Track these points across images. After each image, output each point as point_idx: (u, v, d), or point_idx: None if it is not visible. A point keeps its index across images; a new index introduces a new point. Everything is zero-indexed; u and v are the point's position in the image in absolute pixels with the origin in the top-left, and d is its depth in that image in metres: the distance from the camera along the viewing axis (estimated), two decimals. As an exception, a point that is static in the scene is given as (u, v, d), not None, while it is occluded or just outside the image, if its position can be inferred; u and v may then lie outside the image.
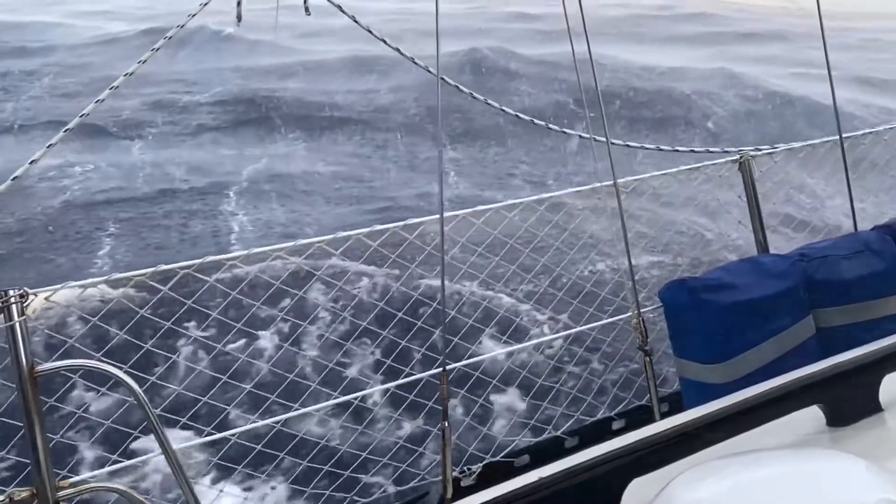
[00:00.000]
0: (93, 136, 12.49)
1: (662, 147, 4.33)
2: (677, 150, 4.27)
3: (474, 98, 3.77)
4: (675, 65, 19.51)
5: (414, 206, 9.64)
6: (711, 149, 4.36)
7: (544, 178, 11.46)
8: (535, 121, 3.88)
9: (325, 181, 11.36)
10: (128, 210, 9.93)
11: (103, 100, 2.67)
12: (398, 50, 3.52)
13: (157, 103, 15.67)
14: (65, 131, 2.68)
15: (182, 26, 2.86)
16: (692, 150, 4.28)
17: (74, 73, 18.85)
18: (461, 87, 3.59)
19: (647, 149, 4.26)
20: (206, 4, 2.92)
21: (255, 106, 15.72)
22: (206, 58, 20.26)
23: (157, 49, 2.80)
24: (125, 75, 2.74)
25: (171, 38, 2.83)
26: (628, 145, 3.97)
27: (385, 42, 3.51)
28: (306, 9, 3.06)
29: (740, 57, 21.35)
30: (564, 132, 3.84)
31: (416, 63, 3.49)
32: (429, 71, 3.27)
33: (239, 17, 2.95)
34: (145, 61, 2.76)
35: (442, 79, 2.58)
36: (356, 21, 3.40)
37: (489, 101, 3.81)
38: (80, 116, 2.68)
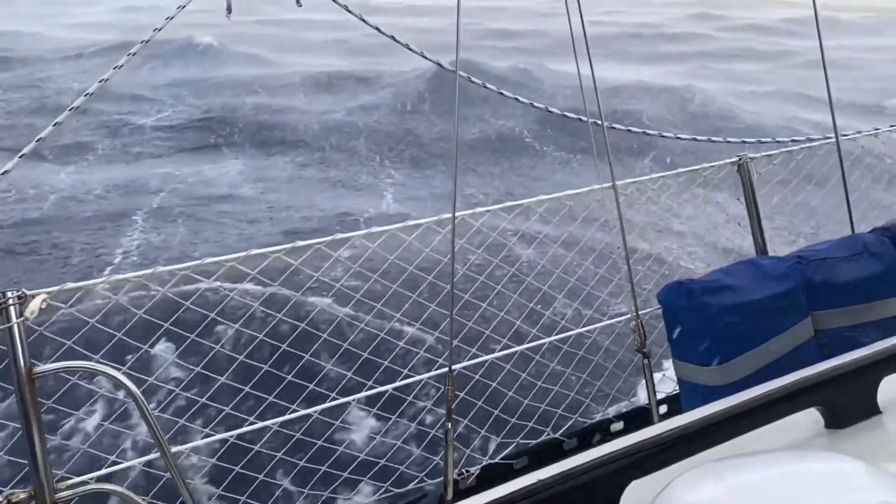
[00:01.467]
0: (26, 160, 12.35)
1: (665, 133, 4.39)
2: (680, 138, 4.33)
3: (487, 89, 3.75)
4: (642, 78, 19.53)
5: (327, 228, 9.45)
6: (714, 138, 4.42)
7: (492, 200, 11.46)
8: (568, 114, 3.86)
9: (247, 202, 11.25)
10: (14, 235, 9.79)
11: (61, 122, 2.60)
12: (408, 46, 3.50)
13: (104, 125, 15.37)
14: (20, 157, 2.60)
15: (146, 42, 2.76)
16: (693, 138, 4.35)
17: (29, 88, 18.58)
18: (473, 78, 3.57)
19: (649, 134, 4.30)
20: (171, 19, 2.83)
21: (205, 126, 15.64)
22: (172, 72, 20.25)
23: (120, 66, 2.70)
24: (85, 95, 2.64)
25: (134, 54, 2.74)
26: (630, 130, 3.99)
27: (394, 39, 3.49)
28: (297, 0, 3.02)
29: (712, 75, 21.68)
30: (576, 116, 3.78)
31: (426, 57, 3.46)
32: (440, 66, 3.26)
33: (229, 9, 2.89)
34: (107, 79, 2.66)
35: (461, 75, 2.57)
36: (365, 21, 3.38)
37: (503, 92, 3.80)
38: (37, 141, 2.61)
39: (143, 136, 15.20)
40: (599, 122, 2.97)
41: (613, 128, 3.27)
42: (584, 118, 3.23)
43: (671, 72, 22.20)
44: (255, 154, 14.12)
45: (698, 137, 4.59)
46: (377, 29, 3.46)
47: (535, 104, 4.03)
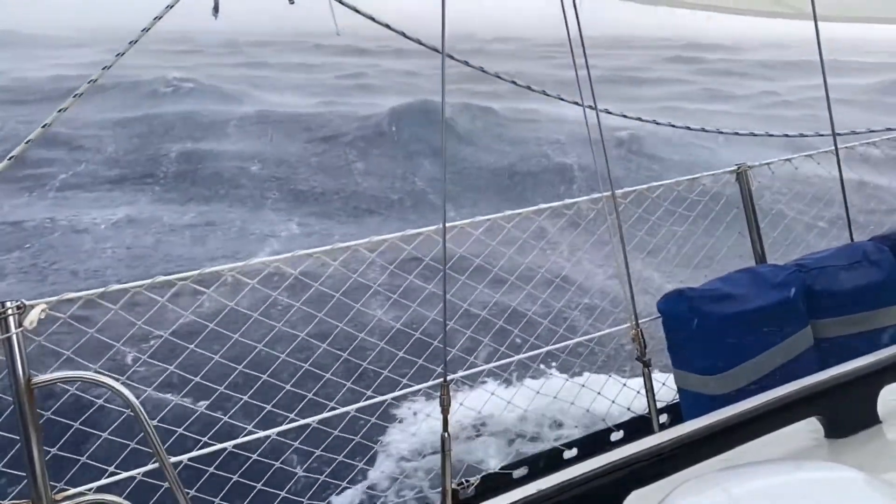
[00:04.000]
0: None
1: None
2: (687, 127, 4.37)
3: (484, 72, 3.74)
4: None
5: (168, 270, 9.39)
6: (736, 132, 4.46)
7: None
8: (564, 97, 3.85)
9: (101, 244, 11.11)
10: None
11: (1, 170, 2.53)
12: (420, 41, 3.48)
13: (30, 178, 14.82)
14: None
15: (94, 81, 2.67)
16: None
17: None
18: (470, 62, 3.56)
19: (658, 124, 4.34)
20: (121, 55, 2.74)
21: (120, 167, 15.65)
22: (114, 110, 20.33)
23: (64, 110, 2.60)
24: (25, 142, 2.54)
25: (80, 95, 2.62)
26: (625, 115, 4.03)
27: (406, 35, 3.48)
28: None
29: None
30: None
31: (420, 43, 3.43)
32: (433, 49, 3.22)
33: (216, 9, 2.84)
34: (49, 124, 2.51)
35: (450, 56, 2.56)
36: (374, 19, 3.36)
37: (500, 75, 3.79)
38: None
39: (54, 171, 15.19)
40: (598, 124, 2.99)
41: (607, 111, 3.27)
42: (578, 101, 3.24)
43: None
44: (158, 196, 14.01)
45: (692, 126, 4.63)
46: (388, 26, 3.42)
47: (517, 81, 4.01)
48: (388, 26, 3.33)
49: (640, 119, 4.39)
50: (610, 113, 3.52)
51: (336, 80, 30.55)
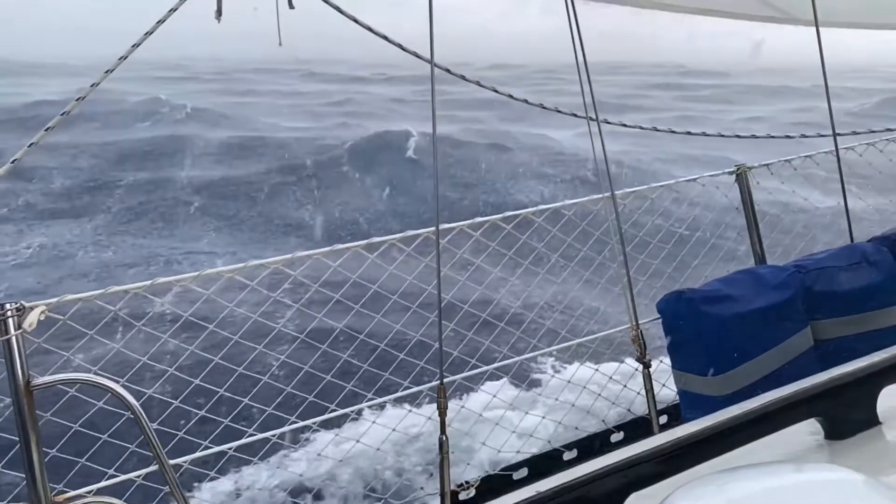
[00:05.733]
0: None
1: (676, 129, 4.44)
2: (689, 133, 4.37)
3: (466, 80, 3.73)
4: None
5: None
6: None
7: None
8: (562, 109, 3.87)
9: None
10: None
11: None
12: (407, 49, 3.47)
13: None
14: None
15: (66, 114, 2.62)
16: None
17: None
18: (451, 69, 3.55)
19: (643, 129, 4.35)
20: (101, 78, 2.71)
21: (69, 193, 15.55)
22: (84, 134, 20.27)
23: (32, 145, 2.56)
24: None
25: (51, 128, 2.57)
26: (624, 125, 4.04)
27: (388, 39, 3.47)
28: (289, 1, 2.97)
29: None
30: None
31: (405, 50, 3.42)
32: (419, 57, 3.21)
33: (219, 12, 2.80)
34: (16, 160, 2.45)
35: (437, 65, 2.56)
36: (357, 20, 3.36)
37: (480, 83, 3.79)
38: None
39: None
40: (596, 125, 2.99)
41: (606, 121, 3.28)
42: (578, 113, 3.25)
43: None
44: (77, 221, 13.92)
45: (692, 131, 4.64)
46: (358, 23, 3.41)
47: (514, 96, 4.03)
48: (369, 28, 3.32)
49: (640, 127, 4.39)
50: (609, 123, 3.53)
51: (320, 107, 30.60)
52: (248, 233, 13.46)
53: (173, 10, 2.74)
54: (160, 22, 2.73)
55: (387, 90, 36.75)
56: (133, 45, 2.72)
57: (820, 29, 3.30)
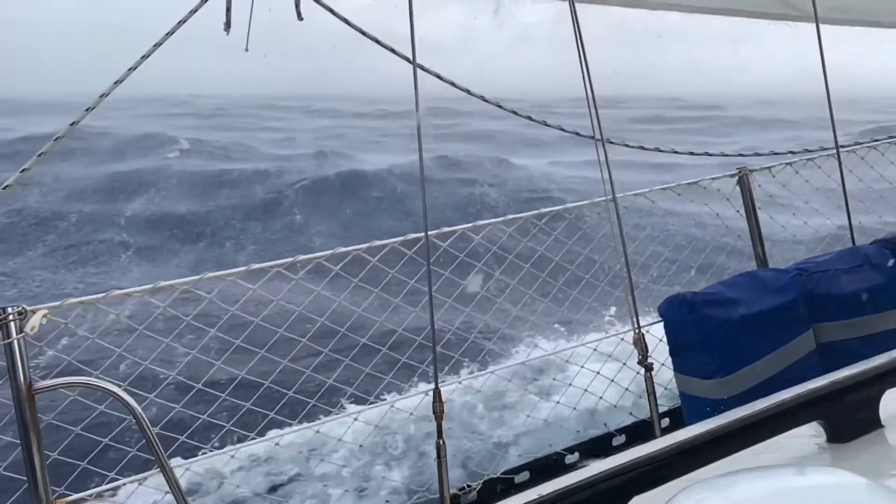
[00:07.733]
0: None
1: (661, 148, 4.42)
2: (675, 152, 4.37)
3: (455, 86, 3.71)
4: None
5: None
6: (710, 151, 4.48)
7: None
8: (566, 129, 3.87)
9: None
10: None
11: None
12: (398, 52, 3.46)
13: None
14: None
15: (41, 155, 2.58)
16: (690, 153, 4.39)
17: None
18: (441, 75, 3.54)
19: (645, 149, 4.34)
20: (80, 117, 2.66)
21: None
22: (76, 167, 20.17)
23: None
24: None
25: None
26: (626, 145, 4.03)
27: (379, 42, 3.46)
28: (298, 13, 2.96)
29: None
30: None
31: (393, 51, 3.41)
32: (405, 58, 3.19)
33: (228, 24, 2.78)
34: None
35: (420, 66, 2.56)
36: (360, 28, 3.36)
37: (469, 90, 3.77)
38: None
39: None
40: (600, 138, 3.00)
41: (610, 142, 3.28)
42: (580, 133, 3.25)
43: (577, 163, 21.89)
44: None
45: (695, 151, 4.62)
46: (350, 25, 3.39)
47: (511, 110, 4.01)
48: (361, 31, 3.31)
49: (642, 147, 4.38)
50: (613, 143, 3.53)
51: (309, 140, 30.27)
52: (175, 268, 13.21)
53: (157, 45, 2.68)
54: (144, 57, 2.67)
55: (380, 123, 36.51)
56: (115, 83, 2.63)
57: (820, 27, 3.30)
